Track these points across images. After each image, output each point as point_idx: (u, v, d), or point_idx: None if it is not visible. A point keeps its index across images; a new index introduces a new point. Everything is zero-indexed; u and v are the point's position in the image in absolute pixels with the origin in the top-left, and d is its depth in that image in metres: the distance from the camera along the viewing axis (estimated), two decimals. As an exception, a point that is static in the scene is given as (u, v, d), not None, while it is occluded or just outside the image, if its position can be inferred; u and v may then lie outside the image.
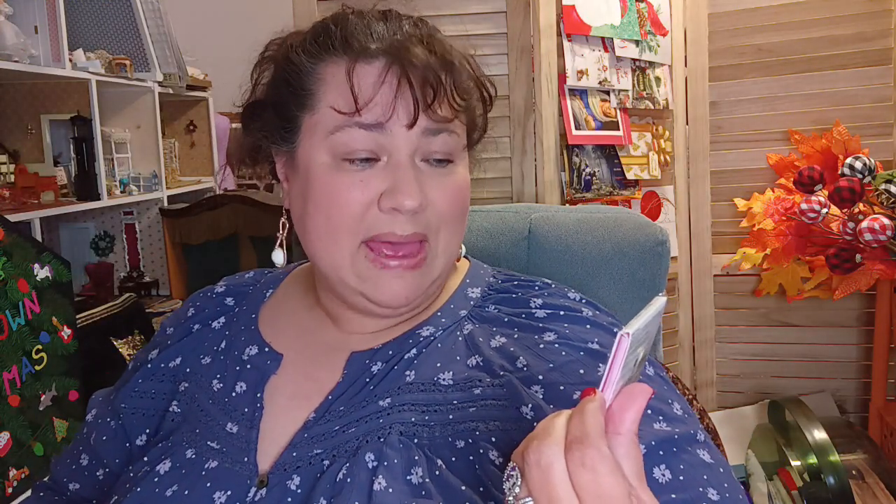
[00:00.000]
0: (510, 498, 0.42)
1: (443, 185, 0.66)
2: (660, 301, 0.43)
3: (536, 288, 0.72)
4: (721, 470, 0.57)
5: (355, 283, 0.66)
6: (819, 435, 1.66)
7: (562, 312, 0.68)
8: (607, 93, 1.84)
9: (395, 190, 0.63)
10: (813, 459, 1.66)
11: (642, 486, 0.41)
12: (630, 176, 1.86)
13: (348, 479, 0.58)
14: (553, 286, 0.72)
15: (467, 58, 0.70)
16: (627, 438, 0.41)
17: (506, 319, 0.68)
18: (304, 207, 0.67)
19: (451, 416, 0.61)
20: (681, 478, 0.55)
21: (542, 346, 0.64)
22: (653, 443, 0.56)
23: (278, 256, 0.75)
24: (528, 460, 0.41)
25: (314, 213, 0.66)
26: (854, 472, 1.74)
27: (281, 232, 0.74)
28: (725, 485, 0.55)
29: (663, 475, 0.54)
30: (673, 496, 0.53)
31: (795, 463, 1.71)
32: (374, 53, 0.64)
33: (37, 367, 1.40)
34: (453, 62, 0.66)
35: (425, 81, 0.63)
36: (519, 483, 0.42)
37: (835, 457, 1.62)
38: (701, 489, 0.54)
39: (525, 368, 0.62)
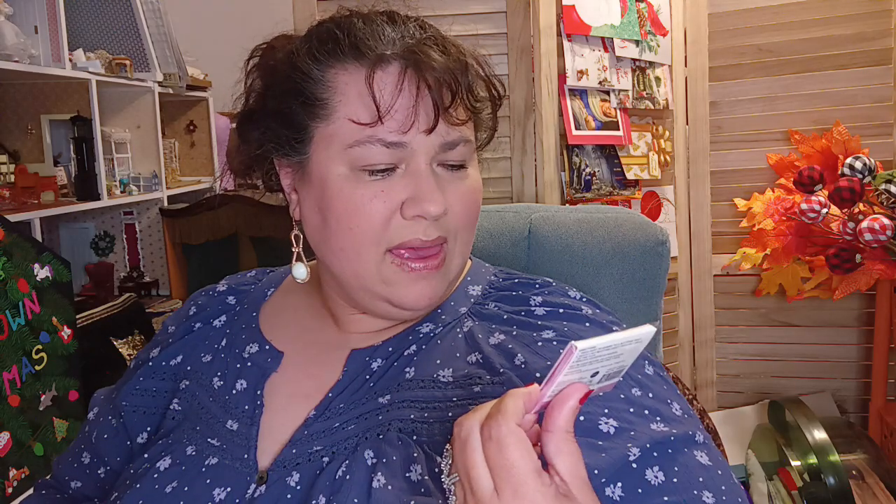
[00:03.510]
0: (444, 476, 0.47)
1: (460, 190, 0.66)
2: (643, 330, 0.43)
3: (537, 286, 0.72)
4: (719, 472, 0.56)
5: (380, 290, 0.66)
6: (819, 435, 1.66)
7: (561, 310, 0.68)
8: (607, 93, 1.84)
9: (418, 198, 0.63)
10: (813, 459, 1.66)
11: (577, 483, 0.43)
12: (630, 176, 1.86)
13: (347, 477, 0.58)
14: (554, 284, 0.72)
15: (477, 58, 0.69)
16: (558, 436, 0.43)
17: (505, 317, 0.68)
18: (323, 220, 0.66)
19: (450, 414, 0.61)
20: (674, 480, 0.54)
21: (539, 343, 0.64)
22: (647, 445, 0.55)
23: (300, 271, 0.72)
24: (453, 433, 0.45)
25: (335, 225, 0.65)
26: (854, 472, 1.74)
27: (296, 246, 0.72)
28: (723, 487, 0.55)
29: (656, 477, 0.54)
30: (665, 498, 0.53)
31: (795, 463, 1.71)
32: (389, 59, 0.63)
33: (37, 367, 1.40)
34: (466, 63, 0.66)
35: (442, 84, 0.63)
36: (451, 461, 0.46)
37: (835, 457, 1.62)
38: (695, 492, 0.53)
39: (523, 366, 0.62)
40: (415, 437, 0.60)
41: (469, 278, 0.74)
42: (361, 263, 0.65)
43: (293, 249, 0.73)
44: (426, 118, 0.63)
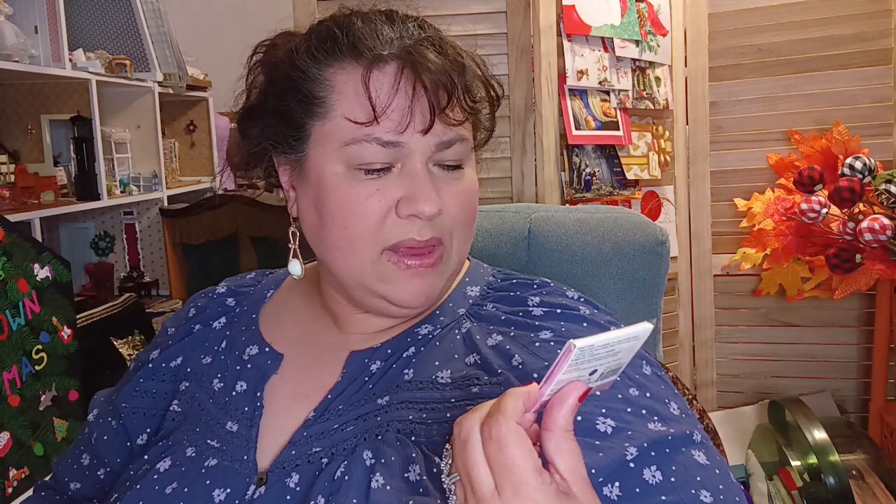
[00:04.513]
0: (444, 476, 0.47)
1: (455, 190, 0.67)
2: (640, 327, 0.43)
3: (534, 286, 0.72)
4: (717, 471, 0.56)
5: (376, 287, 0.66)
6: (819, 435, 1.66)
7: (558, 311, 0.68)
8: (607, 93, 1.84)
9: (413, 197, 0.63)
10: (813, 459, 1.66)
11: (578, 481, 0.43)
12: (630, 176, 1.86)
13: (346, 477, 0.58)
14: (552, 284, 0.72)
15: (475, 58, 0.69)
16: (557, 434, 0.43)
17: (503, 318, 0.68)
18: (320, 218, 0.66)
19: (448, 415, 0.61)
20: (672, 479, 0.54)
21: (537, 343, 0.64)
22: (645, 444, 0.55)
23: (296, 268, 0.73)
24: (453, 433, 0.45)
25: (331, 223, 0.65)
26: (854, 472, 1.74)
27: (293, 242, 0.73)
28: (721, 486, 0.55)
29: (653, 476, 0.54)
30: (663, 498, 0.53)
31: (795, 463, 1.71)
32: (386, 59, 0.63)
33: (37, 367, 1.40)
34: (464, 64, 0.66)
35: (439, 85, 0.63)
36: (451, 461, 0.46)
37: (835, 457, 1.62)
38: (693, 491, 0.54)
39: (520, 366, 0.63)
40: (413, 438, 0.60)
41: (467, 279, 0.74)
42: (357, 261, 0.65)
43: (290, 246, 0.73)
44: (422, 118, 0.63)
